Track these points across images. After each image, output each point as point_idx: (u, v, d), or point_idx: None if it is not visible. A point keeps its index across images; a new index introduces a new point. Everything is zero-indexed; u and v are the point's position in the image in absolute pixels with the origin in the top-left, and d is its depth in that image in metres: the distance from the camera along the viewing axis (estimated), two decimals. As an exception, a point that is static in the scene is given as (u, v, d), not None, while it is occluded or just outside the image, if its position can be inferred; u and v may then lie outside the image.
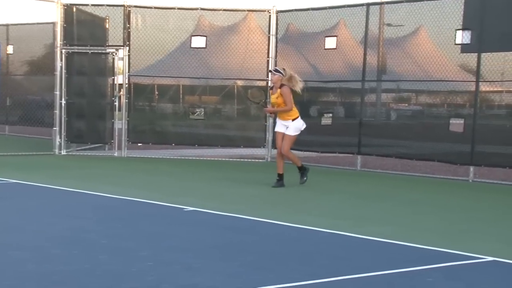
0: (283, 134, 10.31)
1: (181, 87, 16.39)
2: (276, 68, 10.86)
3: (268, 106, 11.17)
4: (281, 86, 10.15)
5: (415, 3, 13.03)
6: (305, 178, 10.51)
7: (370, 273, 5.53)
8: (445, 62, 12.89)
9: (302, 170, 10.56)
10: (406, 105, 15.69)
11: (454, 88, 13.25)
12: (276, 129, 10.49)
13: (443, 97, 14.02)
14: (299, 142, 14.83)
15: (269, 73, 10.52)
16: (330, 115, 14.46)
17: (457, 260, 6.06)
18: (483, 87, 12.31)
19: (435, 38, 13.20)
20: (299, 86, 10.37)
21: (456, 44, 12.28)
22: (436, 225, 7.95)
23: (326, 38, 14.25)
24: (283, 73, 10.21)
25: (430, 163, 13.13)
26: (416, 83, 13.90)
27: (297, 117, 10.34)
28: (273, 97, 10.32)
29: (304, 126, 10.44)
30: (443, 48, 12.94)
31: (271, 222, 7.70)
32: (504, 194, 10.91)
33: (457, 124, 12.34)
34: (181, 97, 16.66)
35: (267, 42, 15.13)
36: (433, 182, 12.08)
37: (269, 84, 10.58)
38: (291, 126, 10.27)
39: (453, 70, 12.96)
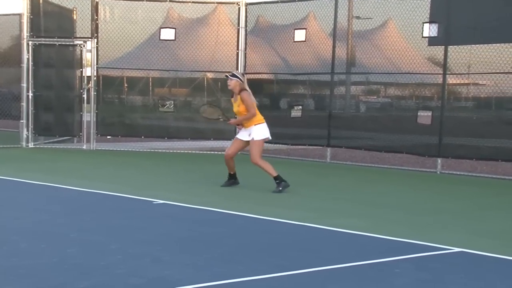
0: (242, 142, 9.37)
1: (150, 79, 16.29)
2: (233, 72, 9.70)
3: (231, 118, 9.81)
4: (241, 91, 9.20)
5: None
6: (280, 189, 9.29)
7: (339, 265, 5.57)
8: (413, 55, 12.99)
9: (279, 179, 9.37)
10: (375, 97, 15.78)
11: (422, 80, 13.39)
12: (237, 136, 9.52)
13: (411, 89, 14.16)
14: (272, 134, 14.87)
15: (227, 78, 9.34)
16: (300, 107, 14.48)
17: (424, 251, 6.12)
18: (450, 79, 12.44)
19: (403, 31, 13.28)
20: None
21: (423, 37, 12.39)
22: (403, 217, 8.03)
23: (295, 31, 14.26)
24: (241, 78, 9.26)
25: (399, 155, 13.24)
26: (384, 75, 13.98)
27: (262, 122, 9.31)
28: (235, 106, 9.32)
29: (269, 135, 9.39)
30: (411, 41, 13.03)
31: (240, 215, 7.72)
32: (471, 186, 11.06)
33: (425, 117, 12.45)
34: (150, 89, 16.56)
35: (236, 34, 15.11)
36: (402, 174, 12.19)
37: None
38: (255, 130, 9.23)
39: (421, 62, 13.09)
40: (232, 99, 9.46)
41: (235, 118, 9.55)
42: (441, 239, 6.58)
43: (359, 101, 15.44)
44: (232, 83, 9.19)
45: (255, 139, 9.21)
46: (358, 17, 13.95)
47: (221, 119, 10.01)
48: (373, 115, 14.94)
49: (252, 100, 9.21)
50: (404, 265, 5.65)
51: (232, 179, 9.68)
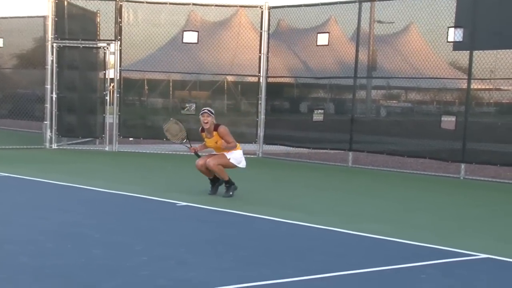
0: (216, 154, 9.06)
1: (171, 82, 16.33)
2: (209, 109, 9.17)
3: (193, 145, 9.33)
4: (216, 127, 8.91)
5: (406, 0, 13.06)
6: (230, 193, 9.00)
7: (365, 269, 5.53)
8: (436, 59, 12.91)
9: (230, 184, 9.06)
10: (396, 102, 15.70)
11: (445, 85, 13.29)
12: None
13: (435, 94, 14.06)
14: (291, 138, 14.91)
15: (203, 114, 8.89)
16: (322, 111, 14.45)
17: (450, 257, 6.06)
18: (475, 84, 12.34)
19: (426, 35, 13.20)
20: None
21: (448, 41, 12.29)
22: (428, 222, 7.96)
23: (319, 35, 14.22)
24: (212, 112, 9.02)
25: (421, 160, 13.14)
26: (406, 80, 13.89)
27: (239, 149, 9.10)
28: (211, 141, 9.00)
29: (243, 166, 9.13)
30: (434, 46, 12.94)
31: (264, 218, 7.69)
32: (495, 192, 10.94)
33: (448, 122, 12.36)
34: (171, 92, 16.59)
35: (257, 38, 15.11)
36: (424, 179, 12.09)
37: (203, 122, 8.89)
38: (235, 154, 8.99)
39: (444, 67, 12.98)
40: (204, 134, 9.08)
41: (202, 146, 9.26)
42: (466, 245, 6.52)
43: (380, 106, 15.36)
44: (209, 119, 8.89)
45: (231, 161, 8.94)
46: (380, 21, 13.88)
47: (184, 145, 9.48)
48: (395, 120, 14.85)
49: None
50: (430, 270, 5.59)
51: (215, 183, 9.19)
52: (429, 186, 11.36)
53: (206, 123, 8.89)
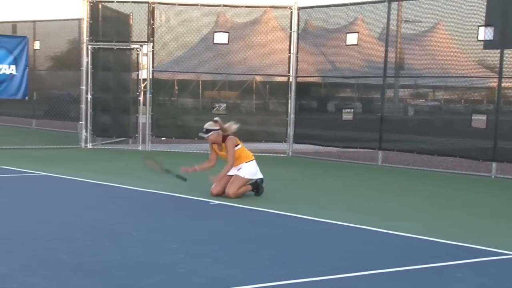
0: (231, 177, 8.65)
1: (200, 82, 16.39)
2: (206, 128, 8.71)
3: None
4: (224, 138, 8.65)
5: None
6: (261, 191, 8.90)
7: (397, 268, 5.49)
8: (465, 58, 12.76)
9: (256, 186, 8.88)
10: (424, 100, 15.57)
11: (475, 84, 13.13)
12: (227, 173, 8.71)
13: (464, 93, 13.91)
14: (321, 137, 14.87)
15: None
16: (351, 110, 14.38)
17: (484, 256, 6.00)
18: (506, 83, 12.18)
19: (455, 34, 13.06)
20: (233, 128, 8.83)
21: (478, 40, 12.15)
22: (459, 220, 7.89)
23: (348, 34, 14.17)
24: (217, 128, 8.63)
25: (451, 159, 13.02)
26: (435, 79, 13.77)
27: (252, 160, 8.81)
28: (223, 153, 8.76)
29: (260, 176, 8.81)
30: (464, 44, 12.80)
31: (295, 216, 7.67)
32: (526, 190, 10.81)
33: (479, 120, 12.22)
34: (200, 92, 16.66)
35: (285, 38, 15.10)
36: (454, 178, 11.98)
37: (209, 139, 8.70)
38: (244, 168, 8.70)
39: (474, 66, 12.83)
40: (215, 146, 8.82)
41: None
42: (500, 244, 6.43)
43: (408, 104, 15.24)
44: (212, 137, 8.64)
45: (242, 175, 8.65)
46: (407, 21, 13.79)
47: (171, 173, 9.07)
48: (425, 118, 14.73)
49: (234, 146, 8.64)
50: (464, 269, 5.53)
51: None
52: (459, 185, 11.26)
53: (210, 139, 8.66)
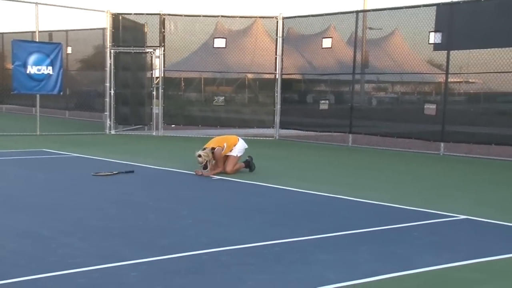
0: (227, 157, 8.68)
1: (202, 79, 16.31)
2: (203, 165, 8.41)
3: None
4: (213, 152, 8.47)
5: (394, 10, 12.91)
6: (253, 167, 8.89)
7: (367, 229, 5.47)
8: (419, 58, 12.83)
9: (248, 164, 8.90)
10: (384, 93, 15.57)
11: (427, 79, 13.15)
12: (231, 154, 8.68)
13: (418, 86, 13.92)
14: (302, 123, 14.83)
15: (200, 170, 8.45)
16: (327, 101, 14.37)
17: (435, 218, 5.99)
18: (451, 78, 12.17)
19: (410, 38, 13.03)
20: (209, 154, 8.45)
21: (429, 43, 12.13)
22: (416, 190, 7.88)
23: (323, 39, 14.13)
24: (206, 160, 8.36)
25: (408, 140, 13.02)
26: (395, 75, 13.76)
27: (237, 142, 8.78)
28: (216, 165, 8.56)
29: (246, 145, 8.87)
30: (417, 47, 12.78)
31: (283, 188, 7.64)
32: (469, 165, 10.82)
33: (430, 109, 12.21)
34: (203, 87, 16.60)
35: (272, 43, 15.03)
36: (411, 156, 11.98)
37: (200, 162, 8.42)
38: (234, 149, 8.71)
39: (425, 65, 12.88)
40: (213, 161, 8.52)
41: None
42: (448, 208, 6.43)
43: (372, 96, 15.23)
44: (210, 167, 8.40)
45: (238, 155, 8.74)
46: (371, 28, 13.77)
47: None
48: (386, 108, 14.75)
49: (221, 152, 8.50)
50: (420, 229, 5.52)
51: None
52: (415, 161, 11.25)
53: (200, 163, 8.41)
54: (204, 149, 8.55)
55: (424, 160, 11.39)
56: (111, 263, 4.11)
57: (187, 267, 4.14)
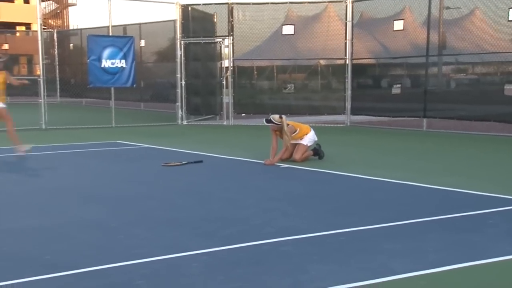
0: (295, 146, 8.67)
1: (274, 67, 16.29)
2: (271, 119, 8.58)
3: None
4: (280, 129, 8.53)
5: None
6: (322, 155, 8.84)
7: (438, 217, 5.26)
8: (499, 37, 12.15)
9: (317, 152, 8.85)
10: (464, 75, 14.93)
11: (508, 58, 12.48)
12: (300, 142, 8.69)
13: (499, 66, 13.25)
14: (374, 108, 14.50)
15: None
16: (399, 85, 13.99)
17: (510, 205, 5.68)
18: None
19: (490, 16, 12.39)
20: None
21: (509, 20, 11.48)
22: (493, 175, 7.51)
23: (395, 21, 13.72)
24: (278, 123, 8.48)
25: (486, 123, 12.43)
26: (475, 55, 13.13)
27: (310, 131, 8.77)
28: (287, 139, 8.57)
29: (315, 138, 8.83)
30: (497, 25, 12.14)
31: (351, 175, 7.50)
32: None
33: (511, 89, 11.60)
34: (275, 75, 16.57)
35: (342, 27, 14.76)
36: (489, 139, 11.43)
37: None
38: (306, 138, 8.70)
39: (506, 43, 12.20)
40: (277, 132, 8.61)
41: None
42: (528, 195, 6.08)
43: (450, 79, 14.65)
44: (271, 127, 8.53)
45: (304, 143, 8.67)
46: (448, 7, 13.25)
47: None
48: (465, 90, 14.18)
49: (292, 133, 8.53)
50: (495, 217, 5.25)
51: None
52: (493, 146, 10.72)
53: (273, 130, 8.56)
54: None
55: (503, 143, 10.83)
56: (173, 253, 4.16)
57: (248, 257, 4.13)
